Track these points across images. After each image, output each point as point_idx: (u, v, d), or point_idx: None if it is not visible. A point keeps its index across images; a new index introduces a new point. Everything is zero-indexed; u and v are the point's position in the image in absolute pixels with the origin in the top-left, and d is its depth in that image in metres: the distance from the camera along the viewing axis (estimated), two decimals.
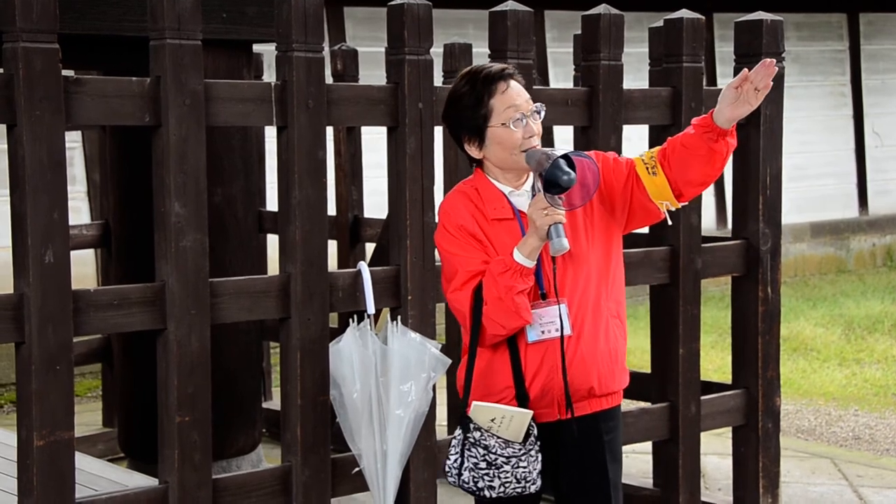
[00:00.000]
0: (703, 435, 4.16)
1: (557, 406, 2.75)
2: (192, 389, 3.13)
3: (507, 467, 2.70)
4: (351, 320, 3.31)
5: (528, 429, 2.71)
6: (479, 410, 2.72)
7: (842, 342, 7.56)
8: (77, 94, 2.99)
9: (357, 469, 3.28)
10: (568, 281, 2.73)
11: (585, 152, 2.70)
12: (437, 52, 3.90)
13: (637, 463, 4.83)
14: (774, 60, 2.63)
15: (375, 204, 5.57)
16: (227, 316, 3.23)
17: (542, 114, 2.76)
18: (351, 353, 3.25)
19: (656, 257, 4.00)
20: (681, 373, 4.02)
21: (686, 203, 2.83)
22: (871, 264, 10.77)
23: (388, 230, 3.69)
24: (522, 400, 2.72)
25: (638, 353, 6.69)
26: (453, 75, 4.32)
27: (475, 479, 2.72)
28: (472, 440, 2.73)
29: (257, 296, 3.28)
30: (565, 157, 2.59)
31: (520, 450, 2.71)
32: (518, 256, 2.67)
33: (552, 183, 2.58)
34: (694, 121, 2.71)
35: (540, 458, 2.72)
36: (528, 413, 2.70)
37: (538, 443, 2.72)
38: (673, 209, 2.79)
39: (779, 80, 4.20)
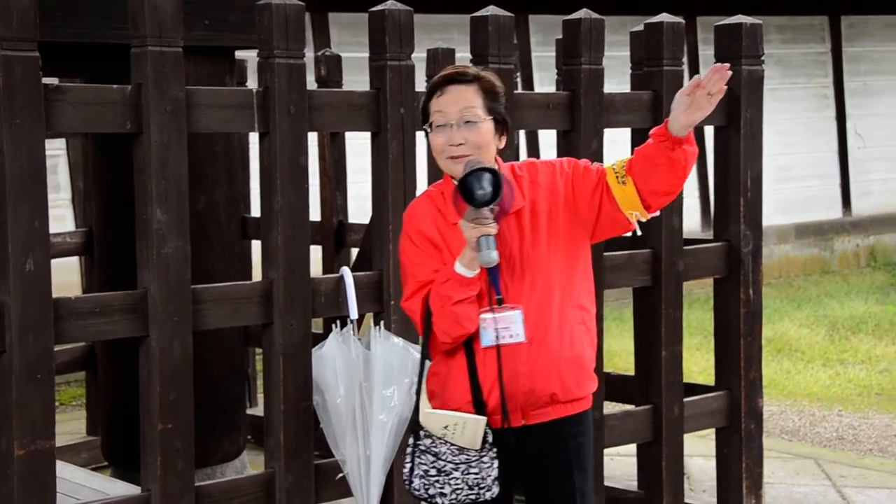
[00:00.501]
0: (688, 437, 4.17)
1: (521, 412, 2.75)
2: (175, 396, 3.13)
3: (456, 474, 2.70)
4: (334, 325, 3.32)
5: (484, 435, 2.71)
6: (431, 418, 2.73)
7: (826, 343, 7.60)
8: (58, 102, 2.99)
9: (340, 475, 3.28)
10: (525, 287, 2.73)
11: (504, 174, 2.66)
12: (421, 56, 3.91)
13: (622, 465, 4.84)
14: (728, 65, 2.62)
15: (360, 209, 5.58)
16: (209, 322, 3.23)
17: (479, 124, 2.73)
18: (334, 358, 3.26)
19: (638, 260, 4.02)
20: (664, 375, 4.03)
21: (656, 214, 2.83)
22: (855, 265, 10.82)
23: (371, 235, 3.70)
24: (480, 406, 2.73)
25: (623, 356, 6.71)
26: None
27: (426, 487, 2.73)
28: (422, 447, 2.74)
29: (240, 302, 3.29)
30: (493, 172, 2.59)
31: (473, 456, 2.71)
32: (458, 267, 2.69)
33: (470, 195, 2.60)
34: (652, 130, 2.72)
35: (496, 465, 2.71)
36: (482, 419, 2.71)
37: (493, 449, 2.72)
38: (643, 220, 2.79)
39: (758, 82, 4.23)
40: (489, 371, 2.73)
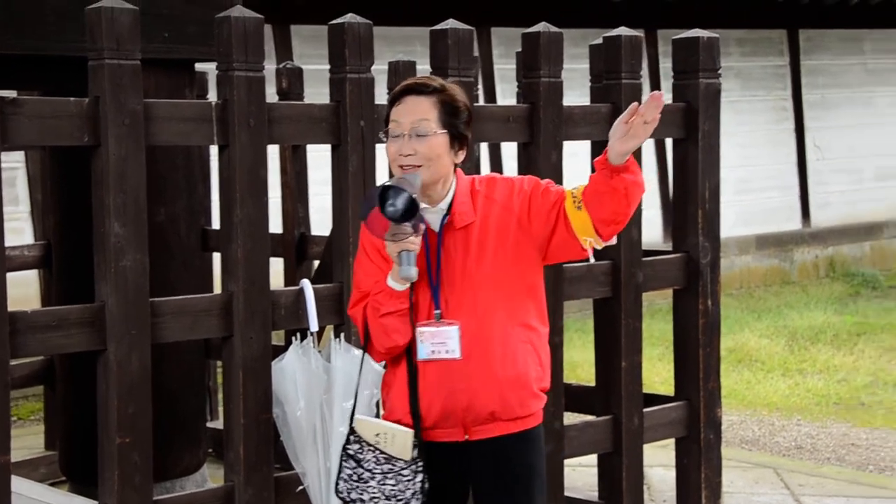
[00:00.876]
0: (649, 447, 4.20)
1: (463, 427, 2.77)
2: (133, 410, 3.11)
3: (372, 483, 2.74)
4: (294, 338, 3.31)
5: (413, 447, 2.74)
6: (363, 425, 2.79)
7: (785, 353, 7.67)
8: (14, 115, 2.97)
9: (301, 487, 3.27)
10: (466, 303, 2.74)
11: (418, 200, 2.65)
12: (382, 69, 3.91)
13: (584, 476, 4.86)
14: (663, 93, 2.63)
15: (323, 221, 5.57)
16: (168, 335, 3.22)
17: (430, 137, 2.73)
18: (294, 370, 3.25)
19: (598, 271, 4.04)
20: (623, 385, 4.06)
21: (611, 242, 2.83)
22: (815, 275, 10.94)
23: (332, 247, 3.70)
24: (416, 418, 2.76)
25: (586, 367, 6.74)
26: None
27: (348, 490, 2.79)
28: (349, 452, 2.78)
29: (199, 315, 3.28)
30: (412, 199, 2.61)
31: (397, 467, 2.74)
32: (389, 279, 2.73)
33: (381, 205, 2.63)
34: (595, 159, 2.72)
35: (418, 479, 2.74)
36: (409, 432, 2.74)
37: (418, 463, 2.75)
38: (598, 247, 2.79)
39: (715, 95, 4.28)
40: (427, 384, 2.76)
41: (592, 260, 2.88)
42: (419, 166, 2.73)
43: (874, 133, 11.61)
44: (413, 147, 2.73)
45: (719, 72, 4.29)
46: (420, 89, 2.78)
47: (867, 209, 11.49)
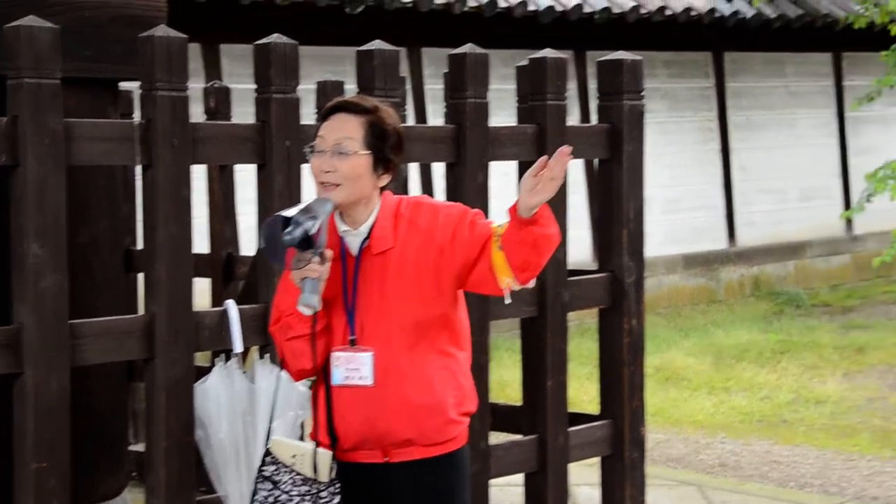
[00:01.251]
0: (577, 465, 4.22)
1: (381, 450, 2.77)
2: (51, 434, 3.05)
3: None
4: (217, 359, 3.29)
5: (330, 469, 2.75)
6: (278, 446, 2.80)
7: (711, 371, 7.79)
8: None
9: None
10: (381, 329, 2.75)
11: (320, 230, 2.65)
12: (312, 88, 3.91)
13: (510, 496, 4.88)
14: (571, 148, 2.64)
15: (252, 241, 5.54)
16: (88, 358, 3.17)
17: (351, 156, 2.73)
18: (217, 392, 3.23)
19: (524, 291, 4.04)
20: (549, 405, 4.08)
21: (529, 286, 2.82)
22: (740, 294, 11.12)
23: (257, 267, 3.68)
24: (333, 439, 2.77)
25: (515, 386, 6.76)
26: None
27: None
28: (265, 474, 2.77)
29: (121, 337, 3.24)
30: (307, 234, 2.61)
31: (314, 489, 2.73)
32: (298, 303, 2.72)
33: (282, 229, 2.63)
34: (509, 207, 2.72)
35: (335, 501, 2.74)
36: (326, 453, 2.75)
37: (336, 485, 2.75)
38: (515, 288, 2.76)
39: (639, 117, 4.34)
40: (343, 407, 2.77)
41: (509, 300, 2.87)
42: (338, 185, 2.73)
43: (797, 154, 11.87)
44: (333, 164, 2.74)
45: (643, 94, 4.36)
46: (351, 108, 2.79)
47: (791, 229, 11.73)
